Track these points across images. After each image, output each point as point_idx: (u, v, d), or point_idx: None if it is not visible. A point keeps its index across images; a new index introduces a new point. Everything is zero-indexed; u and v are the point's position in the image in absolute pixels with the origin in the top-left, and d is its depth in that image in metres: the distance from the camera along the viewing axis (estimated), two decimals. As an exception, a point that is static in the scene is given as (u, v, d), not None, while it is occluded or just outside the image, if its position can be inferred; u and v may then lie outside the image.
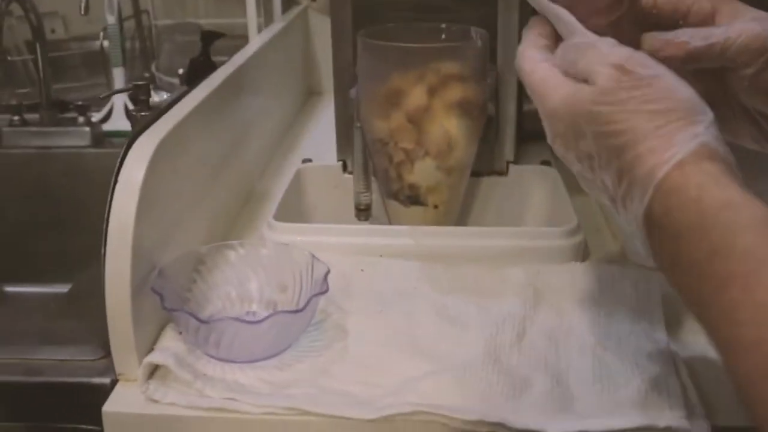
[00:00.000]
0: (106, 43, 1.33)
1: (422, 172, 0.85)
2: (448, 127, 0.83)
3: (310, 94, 1.45)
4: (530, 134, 1.05)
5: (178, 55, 1.36)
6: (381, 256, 0.83)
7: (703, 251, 0.45)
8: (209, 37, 1.14)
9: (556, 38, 0.58)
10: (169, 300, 0.66)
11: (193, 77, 1.02)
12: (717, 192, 0.46)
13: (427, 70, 0.83)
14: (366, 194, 0.92)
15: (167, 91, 1.29)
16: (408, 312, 0.75)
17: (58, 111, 1.27)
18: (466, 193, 0.92)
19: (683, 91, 0.50)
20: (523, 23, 0.95)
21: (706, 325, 0.45)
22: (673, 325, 0.72)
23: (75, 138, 1.24)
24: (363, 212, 0.93)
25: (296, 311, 0.65)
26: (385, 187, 0.89)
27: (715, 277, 0.44)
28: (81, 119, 1.24)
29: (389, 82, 0.84)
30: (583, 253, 0.83)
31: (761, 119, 0.60)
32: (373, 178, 0.92)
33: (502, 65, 0.94)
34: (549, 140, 0.55)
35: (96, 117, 1.28)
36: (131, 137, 0.70)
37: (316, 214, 0.99)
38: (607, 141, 0.50)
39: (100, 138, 1.25)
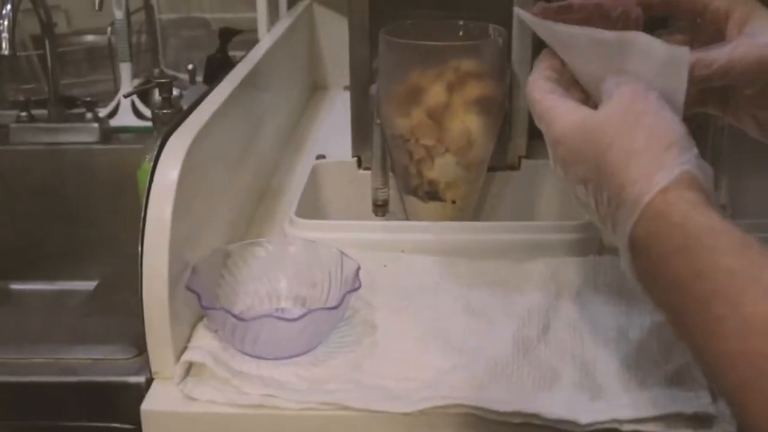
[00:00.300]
0: (113, 38, 1.33)
1: (442, 169, 0.87)
2: (468, 123, 0.85)
3: (315, 89, 1.46)
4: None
5: (184, 50, 1.37)
6: (402, 251, 0.84)
7: (687, 272, 0.48)
8: (227, 34, 1.15)
9: (564, 71, 0.62)
10: (204, 298, 0.67)
11: (211, 74, 1.03)
12: (699, 218, 0.49)
13: (446, 67, 0.84)
14: (384, 190, 0.93)
15: (175, 86, 1.29)
16: (433, 307, 0.76)
17: (65, 107, 1.27)
18: (483, 188, 0.93)
19: (675, 125, 0.54)
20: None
21: (691, 341, 0.48)
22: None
23: (83, 134, 1.24)
24: (380, 208, 0.94)
25: (332, 308, 0.67)
26: (403, 183, 0.91)
27: (700, 295, 0.47)
28: (89, 115, 1.25)
29: (409, 79, 0.85)
30: (599, 247, 0.85)
31: (764, 124, 0.64)
32: (390, 174, 0.93)
33: (516, 62, 0.95)
34: (551, 163, 0.60)
35: (103, 112, 1.29)
36: (163, 137, 0.71)
37: (332, 210, 1.00)
38: (603, 166, 0.54)
39: (108, 134, 1.26)
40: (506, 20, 0.92)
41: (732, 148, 0.92)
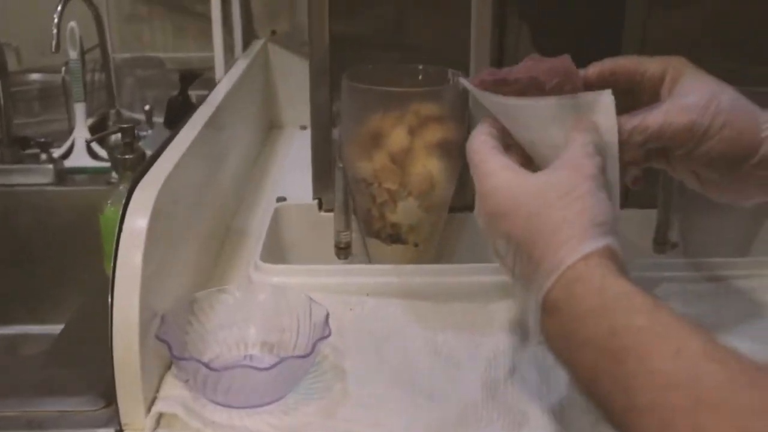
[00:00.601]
0: (67, 78, 1.32)
1: (405, 212, 0.88)
2: (430, 167, 0.86)
3: (271, 128, 1.46)
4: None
5: (139, 89, 1.37)
6: (367, 294, 0.85)
7: (603, 331, 0.51)
8: (188, 77, 1.15)
9: (506, 132, 0.67)
10: (174, 347, 0.67)
11: (172, 116, 1.03)
12: (616, 283, 0.53)
13: (407, 111, 0.86)
14: (346, 233, 0.94)
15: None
16: (402, 350, 0.77)
17: (19, 148, 1.26)
18: (445, 230, 0.95)
19: (608, 208, 0.58)
20: (494, 64, 0.99)
21: (601, 397, 0.51)
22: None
23: (38, 175, 1.24)
24: (343, 251, 0.95)
25: (303, 356, 0.67)
26: (366, 225, 0.92)
27: (613, 352, 0.50)
28: (43, 156, 1.24)
29: (371, 123, 0.86)
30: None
31: (699, 176, 0.69)
32: (352, 217, 0.94)
33: (474, 104, 0.97)
34: (475, 213, 0.63)
35: (57, 153, 1.28)
36: (131, 185, 0.71)
37: (295, 252, 1.01)
38: (532, 226, 0.57)
39: (63, 175, 1.25)
40: (464, 64, 0.94)
41: (682, 188, 0.95)
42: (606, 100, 0.62)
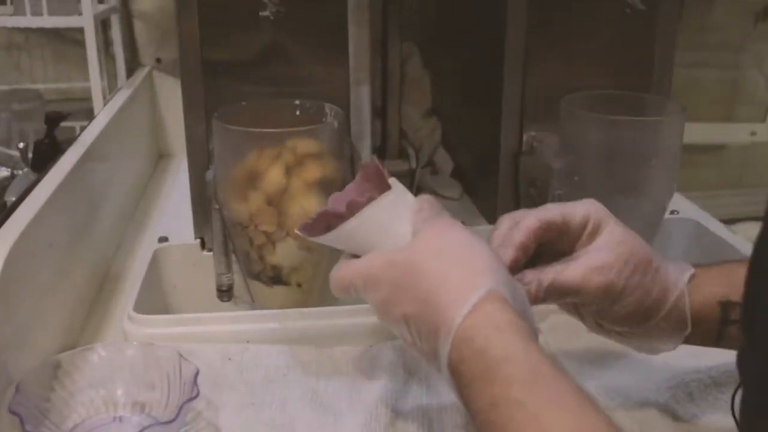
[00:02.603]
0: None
1: (284, 253, 0.85)
2: (308, 206, 0.83)
3: (160, 157, 1.42)
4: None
5: (16, 124, 1.31)
6: (248, 341, 0.82)
7: (486, 401, 0.50)
8: (55, 119, 1.10)
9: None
10: (29, 419, 0.63)
11: (40, 162, 0.98)
12: (499, 345, 0.51)
13: (283, 149, 0.83)
14: (227, 275, 0.91)
15: (6, 165, 1.23)
16: (281, 402, 0.74)
17: None
18: (328, 269, 0.92)
19: (483, 250, 0.57)
20: (375, 95, 0.97)
21: None
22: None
23: None
24: (225, 293, 0.92)
25: (168, 422, 0.64)
26: (247, 267, 0.89)
27: (494, 425, 0.49)
28: None
29: (246, 163, 0.83)
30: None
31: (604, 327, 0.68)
32: (234, 257, 0.91)
33: (355, 136, 0.95)
34: (374, 311, 0.61)
35: None
36: (-21, 245, 0.67)
37: (176, 295, 0.97)
38: (418, 295, 0.56)
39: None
40: (343, 97, 0.92)
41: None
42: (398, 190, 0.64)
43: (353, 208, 0.61)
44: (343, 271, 0.62)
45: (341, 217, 0.61)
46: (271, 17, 0.86)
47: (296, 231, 0.65)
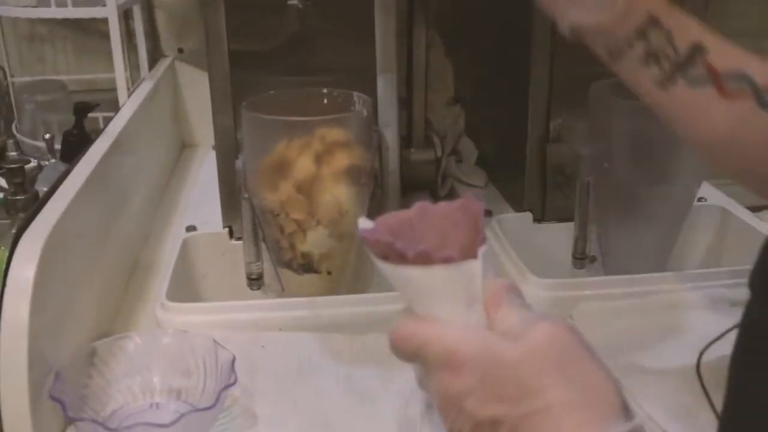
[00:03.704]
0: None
1: (315, 241, 0.85)
2: (338, 194, 0.84)
3: (183, 147, 1.42)
4: (416, 185, 1.08)
5: (41, 115, 1.31)
6: (280, 329, 0.82)
7: None
8: (83, 110, 1.10)
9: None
10: (70, 406, 0.63)
11: (68, 151, 0.98)
12: None
13: (312, 137, 0.83)
14: (257, 264, 0.91)
15: (32, 156, 1.23)
16: (315, 389, 0.74)
17: None
18: (357, 257, 0.92)
19: (609, 377, 0.46)
20: (400, 83, 0.97)
21: None
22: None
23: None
24: (255, 282, 0.92)
25: (207, 408, 0.64)
26: (277, 256, 0.89)
27: None
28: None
29: (275, 152, 0.84)
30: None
31: None
32: (263, 245, 0.91)
33: (383, 124, 0.95)
34: (428, 386, 0.51)
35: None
36: (16, 233, 0.67)
37: (206, 284, 0.97)
38: (522, 405, 0.45)
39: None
40: (371, 86, 0.92)
41: (598, 202, 0.95)
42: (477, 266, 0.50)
43: (430, 255, 0.48)
44: (410, 331, 0.49)
45: (426, 256, 0.48)
46: (300, 5, 0.86)
47: (360, 231, 0.51)
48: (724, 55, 0.64)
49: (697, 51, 0.63)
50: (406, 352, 0.50)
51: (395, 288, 0.50)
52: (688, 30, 0.65)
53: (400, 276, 0.49)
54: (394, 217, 0.52)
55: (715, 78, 0.60)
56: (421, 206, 0.52)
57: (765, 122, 0.59)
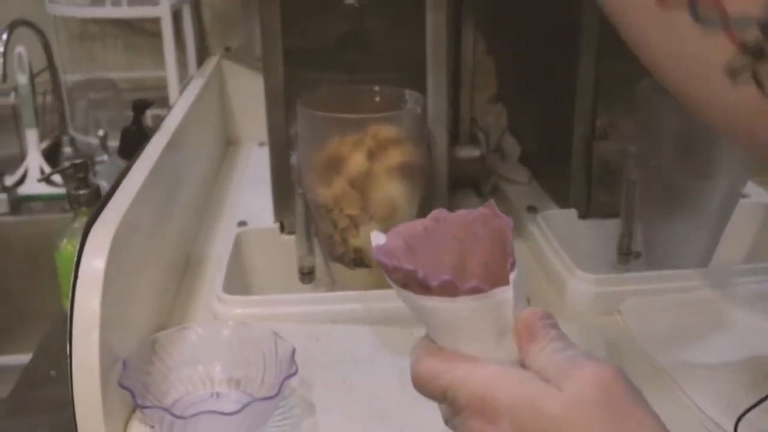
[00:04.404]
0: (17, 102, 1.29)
1: (367, 236, 0.86)
2: (391, 191, 0.85)
3: (228, 144, 1.45)
4: (461, 182, 1.09)
5: (92, 112, 1.34)
6: (334, 322, 0.84)
7: None
8: (141, 106, 1.13)
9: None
10: (138, 394, 0.66)
11: (127, 147, 1.01)
12: None
13: (365, 134, 0.85)
14: (309, 258, 0.93)
15: (85, 152, 1.27)
16: (370, 380, 0.76)
17: (-30, 176, 1.24)
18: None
19: (658, 422, 0.43)
20: (449, 76, 0.98)
21: None
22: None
23: (-9, 205, 1.21)
24: (307, 276, 0.94)
25: (271, 398, 0.66)
26: (328, 250, 0.91)
27: None
28: (-5, 184, 1.21)
29: (329, 148, 0.85)
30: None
31: None
32: (315, 241, 0.93)
33: (432, 122, 0.96)
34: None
35: (10, 181, 1.25)
36: (86, 225, 0.70)
37: (257, 278, 1.00)
38: None
39: (18, 204, 1.22)
40: (421, 83, 0.94)
41: (643, 199, 0.96)
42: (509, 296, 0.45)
43: (455, 284, 0.44)
44: (436, 369, 0.47)
45: (450, 285, 0.44)
46: (356, 4, 0.87)
47: (376, 255, 0.48)
48: None
49: None
50: (433, 392, 0.47)
51: (416, 318, 0.48)
52: None
53: (422, 307, 0.46)
54: (407, 228, 0.49)
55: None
56: (437, 214, 0.50)
57: None
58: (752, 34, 0.50)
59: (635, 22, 0.59)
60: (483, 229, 0.48)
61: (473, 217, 0.48)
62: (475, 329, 0.45)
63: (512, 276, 0.44)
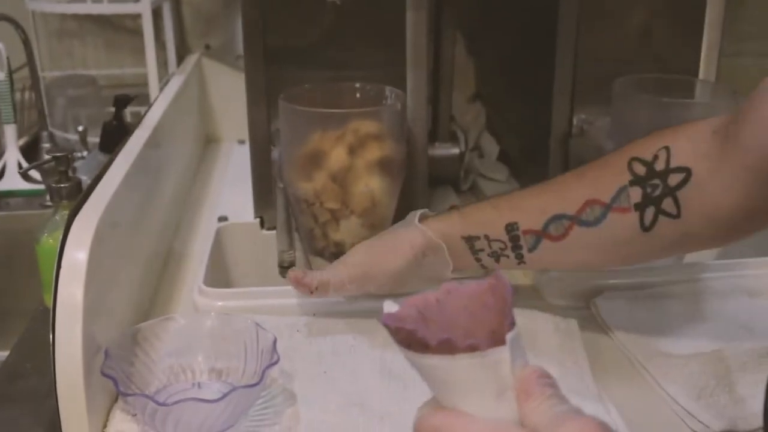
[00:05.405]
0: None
1: (347, 230, 0.88)
2: (371, 185, 0.87)
3: (208, 142, 1.45)
4: (440, 179, 1.11)
5: (72, 109, 1.34)
6: (314, 315, 0.85)
7: None
8: (122, 101, 1.13)
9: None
10: (121, 383, 0.66)
11: (108, 142, 1.01)
12: None
13: (346, 130, 0.86)
14: (290, 252, 0.94)
15: (64, 147, 1.27)
16: (351, 371, 0.77)
17: (-52, 172, 1.23)
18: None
19: None
20: (428, 75, 1.00)
21: None
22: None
23: (-30, 200, 1.21)
24: (287, 270, 0.95)
25: (252, 386, 0.67)
26: (309, 244, 0.92)
27: None
28: (-26, 180, 1.21)
29: (311, 143, 0.86)
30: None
31: None
32: (295, 235, 0.94)
33: (411, 120, 0.98)
34: None
35: (-13, 176, 1.25)
36: (69, 217, 0.70)
37: (237, 272, 1.00)
38: None
39: (-4, 199, 1.22)
40: (401, 81, 0.95)
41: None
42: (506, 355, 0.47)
43: (454, 343, 0.46)
44: (434, 424, 0.49)
45: (450, 344, 0.46)
46: (338, 2, 0.89)
47: (383, 318, 0.49)
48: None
49: (512, 229, 0.77)
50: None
51: (421, 378, 0.50)
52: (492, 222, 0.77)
53: (423, 365, 0.48)
54: (420, 299, 0.50)
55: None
56: (448, 286, 0.51)
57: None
58: None
59: None
60: (492, 299, 0.49)
61: (483, 288, 0.49)
62: (474, 387, 0.47)
63: (509, 336, 0.46)
